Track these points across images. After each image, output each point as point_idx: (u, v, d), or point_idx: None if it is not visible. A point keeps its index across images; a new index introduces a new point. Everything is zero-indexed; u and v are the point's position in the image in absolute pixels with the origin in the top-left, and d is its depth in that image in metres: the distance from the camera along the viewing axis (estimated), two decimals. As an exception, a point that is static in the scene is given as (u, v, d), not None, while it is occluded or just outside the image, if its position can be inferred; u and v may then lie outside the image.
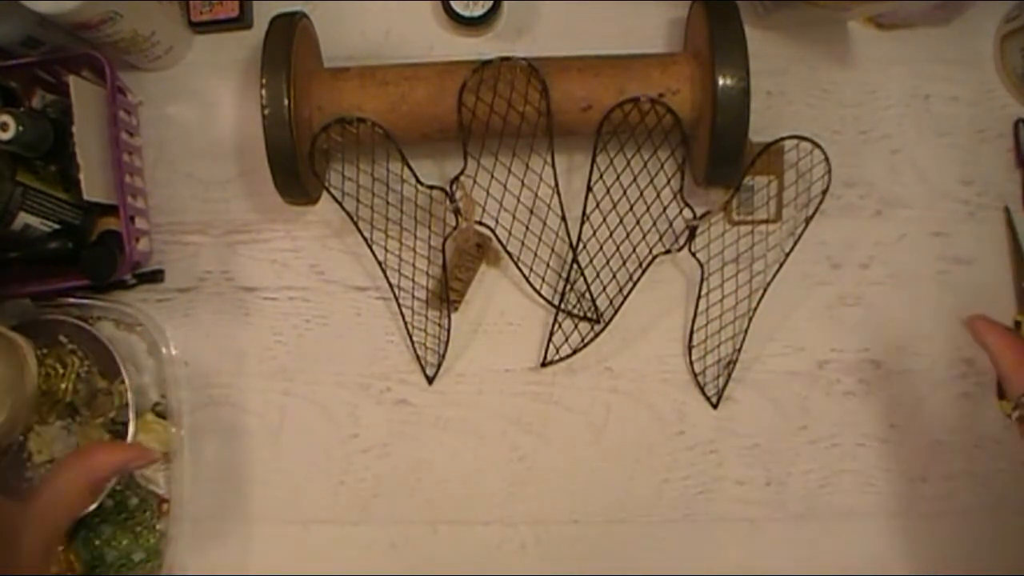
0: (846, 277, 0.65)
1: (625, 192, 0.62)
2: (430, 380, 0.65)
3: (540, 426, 0.65)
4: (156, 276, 0.66)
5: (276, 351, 0.66)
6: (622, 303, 0.64)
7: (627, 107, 0.57)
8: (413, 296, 0.64)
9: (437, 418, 0.65)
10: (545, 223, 0.64)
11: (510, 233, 0.64)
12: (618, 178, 0.62)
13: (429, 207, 0.64)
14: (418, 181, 0.61)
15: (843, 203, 0.65)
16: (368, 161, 0.62)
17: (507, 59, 0.57)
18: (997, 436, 0.64)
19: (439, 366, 0.65)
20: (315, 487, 0.65)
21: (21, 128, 0.56)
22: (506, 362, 0.65)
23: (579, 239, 0.62)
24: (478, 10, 0.64)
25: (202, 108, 0.68)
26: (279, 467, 0.65)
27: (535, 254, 0.64)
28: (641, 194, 0.62)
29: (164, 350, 0.64)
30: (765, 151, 0.61)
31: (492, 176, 0.63)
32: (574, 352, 0.64)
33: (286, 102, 0.56)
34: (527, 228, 0.64)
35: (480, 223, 0.63)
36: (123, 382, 0.62)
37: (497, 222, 0.63)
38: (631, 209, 0.62)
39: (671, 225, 0.63)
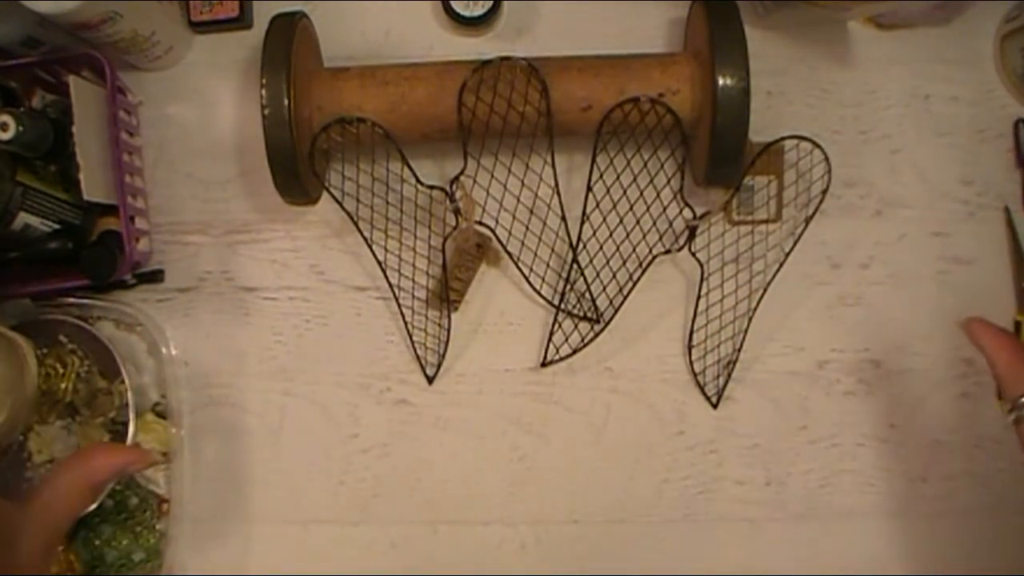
0: (846, 277, 0.65)
1: (625, 192, 0.62)
2: (430, 380, 0.65)
3: (540, 426, 0.65)
4: (156, 276, 0.66)
5: (276, 351, 0.66)
6: (622, 303, 0.64)
7: (627, 107, 0.57)
8: (413, 296, 0.64)
9: (437, 418, 0.65)
10: (545, 223, 0.64)
11: (510, 233, 0.64)
12: (618, 178, 0.62)
13: (429, 207, 0.64)
14: (418, 181, 0.61)
15: (843, 203, 0.65)
16: (368, 161, 0.62)
17: (507, 59, 0.57)
18: (997, 436, 0.64)
19: (439, 366, 0.65)
20: (315, 487, 0.65)
21: (21, 128, 0.56)
22: (506, 362, 0.65)
23: (579, 239, 0.62)
24: (478, 10, 0.64)
25: (202, 108, 0.68)
26: (279, 467, 0.65)
27: (535, 254, 0.64)
28: (641, 194, 0.62)
29: (164, 350, 0.64)
30: (765, 151, 0.61)
31: (492, 176, 0.63)
32: (574, 352, 0.64)
33: (286, 102, 0.56)
34: (527, 228, 0.64)
35: (480, 223, 0.63)
36: (123, 382, 0.62)
37: (497, 222, 0.63)
38: (631, 209, 0.62)
39: (671, 225, 0.63)
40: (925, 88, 0.66)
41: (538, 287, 0.64)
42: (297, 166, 0.57)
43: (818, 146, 0.61)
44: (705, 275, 0.63)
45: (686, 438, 0.65)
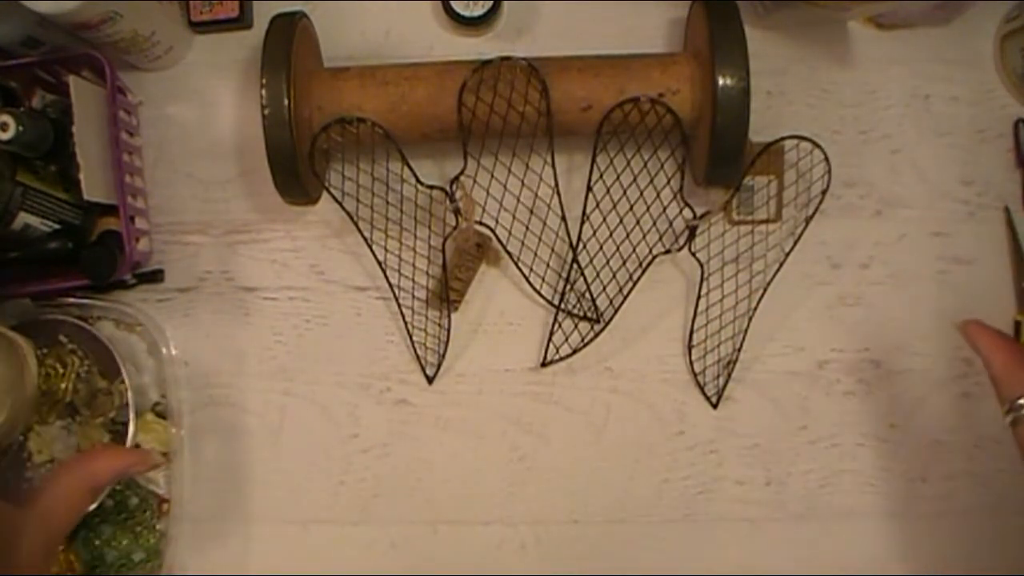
0: (846, 277, 0.65)
1: (625, 192, 0.62)
2: (430, 380, 0.65)
3: (540, 426, 0.65)
4: (156, 276, 0.66)
5: (276, 351, 0.66)
6: (622, 303, 0.64)
7: (627, 107, 0.57)
8: (413, 296, 0.64)
9: (437, 418, 0.65)
10: (545, 223, 0.64)
11: (510, 233, 0.64)
12: (618, 178, 0.62)
13: (429, 207, 0.64)
14: (418, 181, 0.61)
15: (843, 203, 0.65)
16: (368, 161, 0.62)
17: (507, 59, 0.57)
18: (997, 436, 0.64)
19: (439, 366, 0.65)
20: (315, 487, 0.65)
21: (21, 128, 0.56)
22: (506, 362, 0.65)
23: (579, 239, 0.62)
24: (478, 10, 0.64)
25: (202, 108, 0.68)
26: (279, 467, 0.65)
27: (535, 254, 0.64)
28: (641, 194, 0.62)
29: (164, 350, 0.64)
30: (765, 151, 0.61)
31: (492, 176, 0.63)
32: (574, 352, 0.64)
33: (286, 102, 0.56)
34: (527, 228, 0.64)
35: (480, 223, 0.63)
36: (123, 382, 0.62)
37: (497, 222, 0.63)
38: (631, 209, 0.62)
39: (671, 225, 0.63)
40: (925, 88, 0.66)
41: (538, 287, 0.64)
42: (297, 166, 0.57)
43: (818, 146, 0.61)
44: (705, 275, 0.63)
45: (686, 438, 0.65)
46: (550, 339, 0.64)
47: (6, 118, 0.55)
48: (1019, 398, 0.48)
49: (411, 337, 0.64)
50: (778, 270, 0.63)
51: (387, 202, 0.63)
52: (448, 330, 0.64)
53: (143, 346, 0.65)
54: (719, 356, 0.64)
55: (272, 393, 0.66)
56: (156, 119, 0.67)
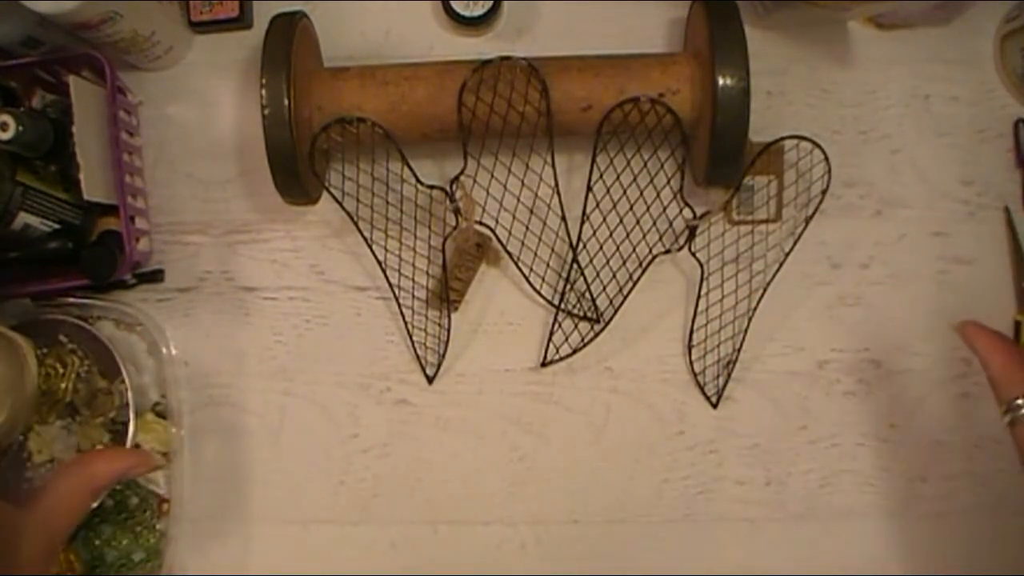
0: (846, 277, 0.65)
1: (625, 192, 0.62)
2: (430, 380, 0.65)
3: (540, 426, 0.65)
4: (156, 276, 0.66)
5: (276, 351, 0.66)
6: (622, 303, 0.64)
7: (627, 107, 0.57)
8: (413, 296, 0.64)
9: (437, 418, 0.65)
10: (545, 223, 0.64)
11: (510, 233, 0.64)
12: (618, 178, 0.62)
13: (429, 207, 0.64)
14: (418, 181, 0.61)
15: (843, 203, 0.65)
16: (368, 161, 0.62)
17: (507, 59, 0.57)
18: (997, 436, 0.64)
19: (439, 366, 0.65)
20: (315, 487, 0.65)
21: (21, 128, 0.56)
22: (506, 362, 0.65)
23: (579, 239, 0.62)
24: (478, 10, 0.64)
25: (202, 108, 0.68)
26: (279, 467, 0.65)
27: (535, 254, 0.64)
28: (641, 194, 0.62)
29: (164, 350, 0.64)
30: (765, 151, 0.61)
31: (492, 176, 0.63)
32: (574, 352, 0.64)
33: (286, 102, 0.56)
34: (527, 228, 0.64)
35: (480, 223, 0.63)
36: (123, 382, 0.62)
37: (497, 222, 0.63)
38: (631, 209, 0.62)
39: (671, 225, 0.63)
40: (925, 88, 0.66)
41: (538, 287, 0.64)
42: (297, 166, 0.57)
43: (818, 146, 0.61)
44: (705, 275, 0.63)
45: (686, 438, 0.65)
46: (550, 339, 0.64)
47: (6, 118, 0.55)
48: (1017, 398, 0.48)
49: (411, 337, 0.64)
50: (778, 270, 0.63)
51: (387, 202, 0.63)
52: (448, 330, 0.64)
53: (143, 346, 0.65)
54: (719, 356, 0.64)
55: (272, 393, 0.66)
56: (156, 119, 0.67)
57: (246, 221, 0.67)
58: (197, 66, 0.68)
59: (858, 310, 0.65)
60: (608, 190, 0.62)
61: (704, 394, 0.64)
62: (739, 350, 0.64)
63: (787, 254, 0.63)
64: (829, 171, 0.61)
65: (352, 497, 0.65)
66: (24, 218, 0.59)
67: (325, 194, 0.64)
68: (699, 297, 0.64)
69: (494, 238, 0.64)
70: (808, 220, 0.63)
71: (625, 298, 0.63)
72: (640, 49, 0.62)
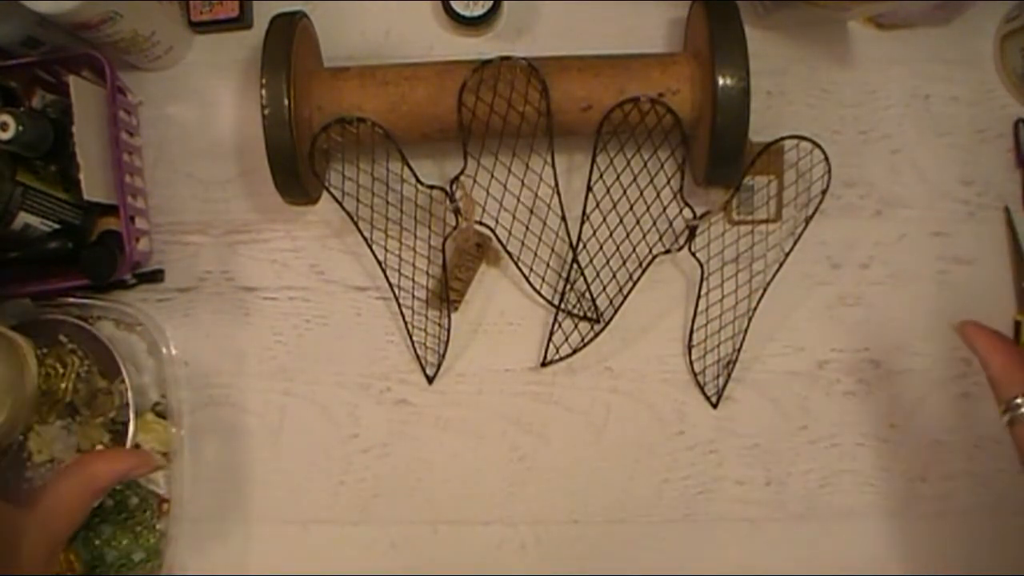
0: (846, 277, 0.65)
1: (625, 192, 0.62)
2: (430, 380, 0.65)
3: (540, 426, 0.65)
4: (156, 276, 0.66)
5: (276, 351, 0.66)
6: (622, 303, 0.64)
7: (627, 107, 0.57)
8: (413, 296, 0.64)
9: (437, 418, 0.65)
10: (545, 223, 0.64)
11: (510, 233, 0.64)
12: (618, 178, 0.62)
13: (429, 207, 0.64)
14: (418, 181, 0.61)
15: (843, 203, 0.65)
16: (368, 161, 0.62)
17: (507, 59, 0.57)
18: (997, 436, 0.64)
19: (439, 366, 0.65)
20: (315, 487, 0.65)
21: (21, 128, 0.56)
22: (506, 362, 0.65)
23: (579, 239, 0.62)
24: (478, 10, 0.64)
25: (202, 108, 0.68)
26: (279, 467, 0.65)
27: (535, 254, 0.64)
28: (641, 194, 0.62)
29: (164, 350, 0.64)
30: (765, 151, 0.61)
31: (492, 176, 0.63)
32: (574, 352, 0.64)
33: (286, 102, 0.56)
34: (527, 228, 0.64)
35: (480, 223, 0.63)
36: (123, 382, 0.62)
37: (497, 222, 0.63)
38: (631, 209, 0.62)
39: (671, 225, 0.63)
40: (925, 88, 0.66)
41: (538, 287, 0.64)
42: (297, 166, 0.57)
43: (818, 146, 0.61)
44: (705, 275, 0.63)
45: (686, 438, 0.65)
46: (550, 339, 0.64)
47: (6, 118, 0.55)
48: (1016, 398, 0.49)
49: (411, 337, 0.64)
50: (778, 270, 0.63)
51: (387, 202, 0.63)
52: (448, 330, 0.64)
53: (143, 346, 0.65)
54: (719, 356, 0.64)
55: (272, 393, 0.66)
56: (156, 119, 0.67)
57: (246, 221, 0.67)
58: (197, 66, 0.68)
59: (858, 310, 0.65)
60: (608, 190, 0.62)
61: (704, 394, 0.64)
62: (739, 350, 0.64)
63: (787, 254, 0.63)
64: (829, 171, 0.61)
65: (352, 497, 0.65)
66: (24, 218, 0.59)
67: (325, 194, 0.64)
68: (699, 297, 0.64)
69: (494, 238, 0.64)
70: (808, 220, 0.63)
71: (625, 298, 0.63)
72: (640, 49, 0.62)
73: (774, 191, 0.64)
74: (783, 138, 0.61)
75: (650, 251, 0.63)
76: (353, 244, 0.65)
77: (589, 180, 0.60)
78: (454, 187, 0.61)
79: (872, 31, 0.66)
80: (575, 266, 0.62)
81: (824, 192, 0.62)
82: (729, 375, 0.64)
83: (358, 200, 0.62)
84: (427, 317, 0.65)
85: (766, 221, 0.64)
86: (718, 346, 0.64)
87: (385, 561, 0.65)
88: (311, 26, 0.62)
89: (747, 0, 0.65)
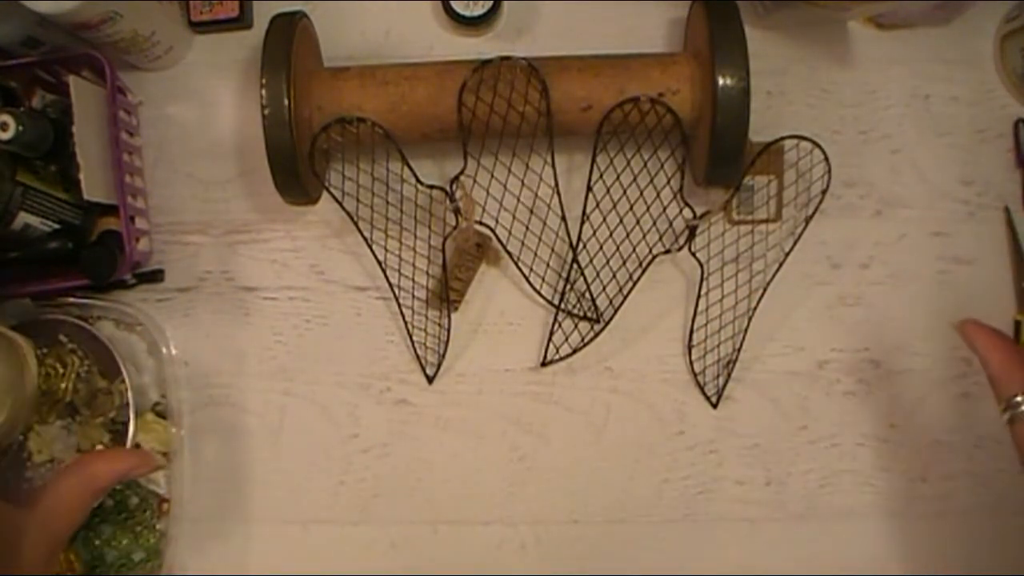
0: (846, 277, 0.65)
1: (625, 192, 0.62)
2: (430, 380, 0.65)
3: (540, 426, 0.65)
4: (156, 276, 0.66)
5: (276, 351, 0.66)
6: (622, 303, 0.64)
7: (627, 107, 0.57)
8: (413, 296, 0.64)
9: (437, 418, 0.65)
10: (545, 223, 0.64)
11: (510, 233, 0.64)
12: (618, 178, 0.62)
13: (429, 207, 0.64)
14: (418, 181, 0.61)
15: (843, 203, 0.65)
16: (368, 161, 0.62)
17: (507, 59, 0.57)
18: (997, 436, 0.64)
19: (439, 366, 0.65)
20: (315, 487, 0.65)
21: (21, 128, 0.56)
22: (506, 362, 0.65)
23: (579, 239, 0.62)
24: (478, 10, 0.64)
25: (202, 108, 0.68)
26: (279, 467, 0.65)
27: (535, 254, 0.64)
28: (641, 194, 0.62)
29: (164, 350, 0.64)
30: (765, 151, 0.61)
31: (492, 176, 0.63)
32: (574, 352, 0.64)
33: (286, 102, 0.56)
34: (527, 228, 0.64)
35: (480, 223, 0.63)
36: (123, 382, 0.62)
37: (497, 222, 0.63)
38: (631, 209, 0.62)
39: (671, 225, 0.63)
40: (925, 88, 0.66)
41: (538, 287, 0.64)
42: (297, 166, 0.57)
43: (818, 146, 0.61)
44: (705, 275, 0.63)
45: (686, 438, 0.65)
46: (550, 339, 0.64)
47: (6, 118, 0.55)
48: (1016, 396, 0.49)
49: (411, 337, 0.64)
50: (778, 270, 0.63)
51: (387, 202, 0.63)
52: (448, 330, 0.64)
53: (143, 346, 0.65)
54: (719, 356, 0.64)
55: (272, 393, 0.66)
56: (156, 119, 0.67)
57: (246, 221, 0.67)
58: (197, 66, 0.68)
59: (858, 310, 0.65)
60: (608, 190, 0.62)
61: (704, 394, 0.64)
62: (739, 350, 0.64)
63: (787, 254, 0.63)
64: (829, 171, 0.61)
65: (352, 497, 0.65)
66: (24, 218, 0.59)
67: (325, 194, 0.64)
68: (699, 297, 0.64)
69: (494, 238, 0.64)
70: (808, 220, 0.63)
71: (625, 298, 0.63)
72: (640, 49, 0.62)
73: (774, 191, 0.64)
74: (783, 138, 0.61)
75: (650, 251, 0.63)
76: (353, 244, 0.65)
77: (589, 180, 0.60)
78: (454, 187, 0.61)
79: (872, 31, 0.66)
80: (575, 266, 0.62)
81: (824, 192, 0.62)
82: (729, 375, 0.64)
83: (358, 200, 0.62)
84: (427, 317, 0.65)
85: (766, 221, 0.64)
86: (718, 346, 0.64)
87: (385, 561, 0.65)
88: (311, 26, 0.62)
89: (747, 0, 0.65)
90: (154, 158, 0.67)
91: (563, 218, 0.62)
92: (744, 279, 0.64)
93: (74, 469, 0.50)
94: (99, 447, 0.62)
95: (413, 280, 0.64)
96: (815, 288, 0.65)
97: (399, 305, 0.64)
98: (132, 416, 0.61)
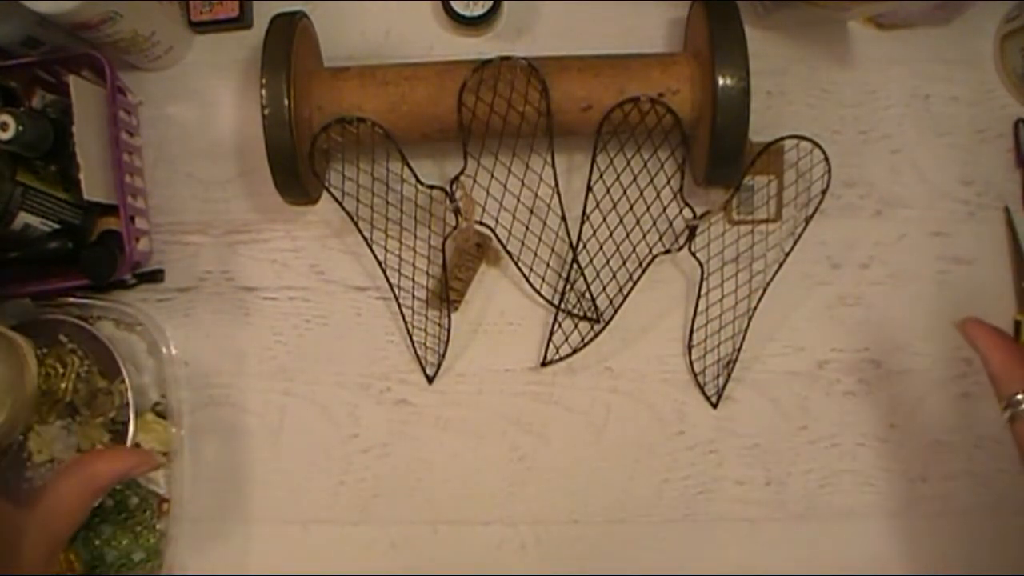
0: (846, 277, 0.65)
1: (625, 192, 0.62)
2: (430, 380, 0.65)
3: (540, 426, 0.65)
4: (156, 276, 0.66)
5: (276, 351, 0.66)
6: (622, 303, 0.64)
7: (627, 107, 0.57)
8: (413, 296, 0.64)
9: (437, 418, 0.65)
10: (545, 223, 0.64)
11: (510, 233, 0.64)
12: (618, 178, 0.62)
13: (429, 207, 0.64)
14: (418, 181, 0.61)
15: (843, 203, 0.65)
16: (368, 161, 0.62)
17: (507, 59, 0.57)
18: (997, 436, 0.64)
19: (439, 366, 0.65)
20: (315, 487, 0.65)
21: (21, 128, 0.56)
22: (506, 362, 0.65)
23: (579, 239, 0.62)
24: (478, 10, 0.64)
25: (202, 108, 0.68)
26: (279, 467, 0.65)
27: (535, 254, 0.64)
28: (641, 194, 0.62)
29: (164, 350, 0.64)
30: (765, 151, 0.61)
31: (492, 176, 0.63)
32: (574, 352, 0.64)
33: (286, 102, 0.56)
34: (527, 228, 0.64)
35: (480, 223, 0.63)
36: (123, 382, 0.62)
37: (497, 222, 0.63)
38: (631, 209, 0.62)
39: (671, 225, 0.63)
40: (925, 88, 0.66)
41: (538, 287, 0.64)
42: (297, 166, 0.58)
43: (818, 146, 0.61)
44: (705, 275, 0.63)
45: (686, 438, 0.65)
46: (550, 339, 0.64)
47: (6, 118, 0.55)
48: (1016, 394, 0.49)
49: (411, 337, 0.64)
50: (778, 270, 0.63)
51: (387, 202, 0.63)
52: (448, 330, 0.64)
53: (143, 346, 0.65)
54: (719, 356, 0.64)
55: (272, 393, 0.66)
56: (156, 119, 0.67)
57: (246, 221, 0.67)
58: (197, 66, 0.68)
59: (858, 310, 0.65)
60: (608, 190, 0.62)
61: (704, 394, 0.64)
62: (739, 350, 0.64)
63: (787, 254, 0.63)
64: (829, 171, 0.61)
65: (352, 497, 0.65)
66: (24, 218, 0.59)
67: (325, 194, 0.64)
68: (699, 297, 0.64)
69: (494, 238, 0.64)
70: (808, 220, 0.63)
71: (625, 298, 0.63)
72: (640, 49, 0.62)
73: (774, 191, 0.64)
74: (783, 138, 0.61)
75: (650, 251, 0.63)
76: (353, 244, 0.65)
77: (589, 180, 0.60)
78: (454, 187, 0.61)
79: (872, 31, 0.66)
80: (575, 266, 0.62)
81: (824, 192, 0.62)
82: (729, 375, 0.64)
83: (358, 200, 0.62)
84: (427, 317, 0.65)
85: (766, 221, 0.64)
86: (718, 346, 0.64)
87: (385, 561, 0.65)
88: (311, 26, 0.62)
89: (747, 0, 0.65)
90: (154, 158, 0.67)
91: (563, 218, 0.62)
92: (744, 279, 0.64)
93: (74, 469, 0.50)
94: (99, 447, 0.62)
95: (413, 280, 0.64)
96: (815, 288, 0.65)
97: (399, 305, 0.64)
98: (132, 416, 0.61)
